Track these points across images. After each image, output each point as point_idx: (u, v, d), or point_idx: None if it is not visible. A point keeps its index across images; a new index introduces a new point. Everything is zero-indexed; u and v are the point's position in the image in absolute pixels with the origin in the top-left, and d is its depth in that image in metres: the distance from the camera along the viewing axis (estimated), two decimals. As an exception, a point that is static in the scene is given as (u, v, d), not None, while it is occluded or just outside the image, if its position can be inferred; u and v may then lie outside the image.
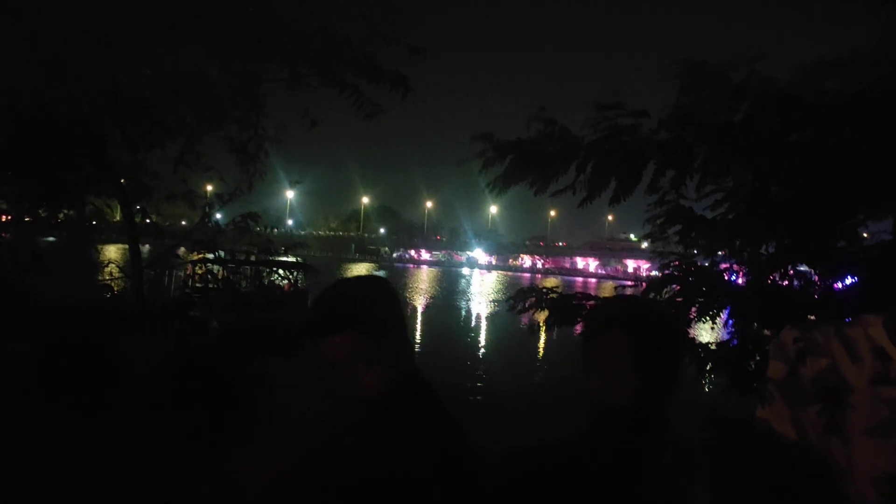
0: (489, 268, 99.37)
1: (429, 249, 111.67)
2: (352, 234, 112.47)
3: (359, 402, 1.31)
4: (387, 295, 1.42)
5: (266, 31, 4.24)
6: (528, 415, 10.61)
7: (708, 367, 3.43)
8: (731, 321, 3.49)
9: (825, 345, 1.35)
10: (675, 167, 3.38)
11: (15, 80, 4.02)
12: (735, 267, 3.66)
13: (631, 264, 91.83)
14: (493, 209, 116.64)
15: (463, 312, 33.02)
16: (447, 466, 1.27)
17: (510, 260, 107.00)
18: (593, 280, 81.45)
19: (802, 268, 3.43)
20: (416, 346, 16.98)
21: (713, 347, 3.52)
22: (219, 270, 5.14)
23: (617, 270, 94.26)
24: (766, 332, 3.34)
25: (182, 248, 5.44)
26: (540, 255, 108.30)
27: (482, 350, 20.55)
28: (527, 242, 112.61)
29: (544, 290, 3.98)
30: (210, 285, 4.99)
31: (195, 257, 5.15)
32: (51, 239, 5.97)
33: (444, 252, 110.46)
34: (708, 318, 3.47)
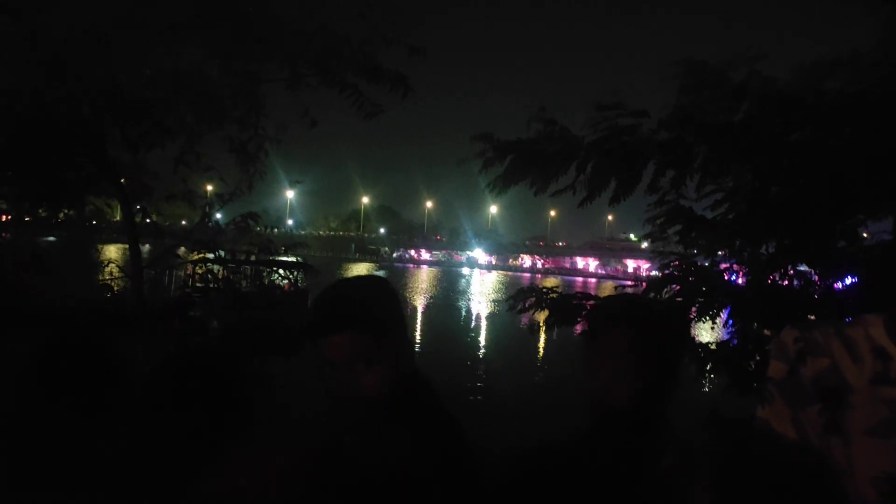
0: (489, 268, 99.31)
1: (429, 249, 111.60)
2: (352, 234, 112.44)
3: (359, 402, 1.31)
4: (387, 295, 1.43)
5: (266, 31, 4.24)
6: (528, 415, 10.59)
7: (708, 367, 3.43)
8: (731, 321, 3.48)
9: (825, 345, 1.34)
10: (675, 167, 3.38)
11: (15, 80, 4.02)
12: (735, 267, 3.66)
13: (631, 264, 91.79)
14: (493, 209, 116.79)
15: (463, 312, 32.98)
16: (447, 466, 1.27)
17: (510, 260, 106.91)
18: (593, 280, 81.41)
19: (802, 268, 3.43)
20: (416, 346, 16.98)
21: (713, 347, 3.52)
22: (219, 270, 5.13)
23: (617, 270, 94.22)
24: (766, 332, 3.33)
25: (182, 248, 5.44)
26: (540, 254, 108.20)
27: (482, 350, 20.52)
28: (527, 242, 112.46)
29: (544, 290, 3.97)
30: (210, 285, 4.99)
31: (195, 257, 5.14)
32: (51, 239, 5.98)
33: (444, 252, 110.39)
34: (708, 318, 3.47)
